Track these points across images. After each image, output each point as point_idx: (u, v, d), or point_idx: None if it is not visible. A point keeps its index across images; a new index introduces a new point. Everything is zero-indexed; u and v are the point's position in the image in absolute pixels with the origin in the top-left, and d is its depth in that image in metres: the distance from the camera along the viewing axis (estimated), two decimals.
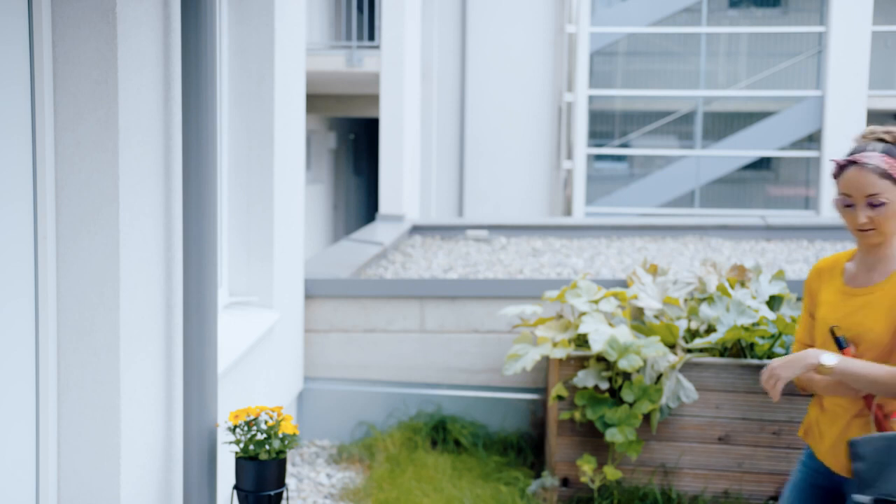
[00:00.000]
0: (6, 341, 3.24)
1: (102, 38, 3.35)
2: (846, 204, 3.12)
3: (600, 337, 5.61)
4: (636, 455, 5.52)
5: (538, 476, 6.17)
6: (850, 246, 10.25)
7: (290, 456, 6.59)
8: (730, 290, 6.09)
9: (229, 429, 4.23)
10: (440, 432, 6.73)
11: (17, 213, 3.28)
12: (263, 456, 4.19)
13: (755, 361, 5.64)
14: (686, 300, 6.29)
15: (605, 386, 5.57)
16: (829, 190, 17.75)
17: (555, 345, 5.87)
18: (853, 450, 3.01)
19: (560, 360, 5.81)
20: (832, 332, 3.20)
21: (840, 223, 11.13)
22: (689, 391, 5.54)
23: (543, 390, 6.80)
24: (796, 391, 5.56)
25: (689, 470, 5.71)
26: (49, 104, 3.35)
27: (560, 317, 6.19)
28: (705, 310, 5.96)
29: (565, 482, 5.83)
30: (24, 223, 3.32)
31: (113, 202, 3.40)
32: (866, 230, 3.11)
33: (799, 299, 6.74)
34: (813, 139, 18.29)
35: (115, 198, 3.40)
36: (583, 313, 5.96)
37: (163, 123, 3.86)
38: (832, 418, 3.30)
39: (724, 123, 18.92)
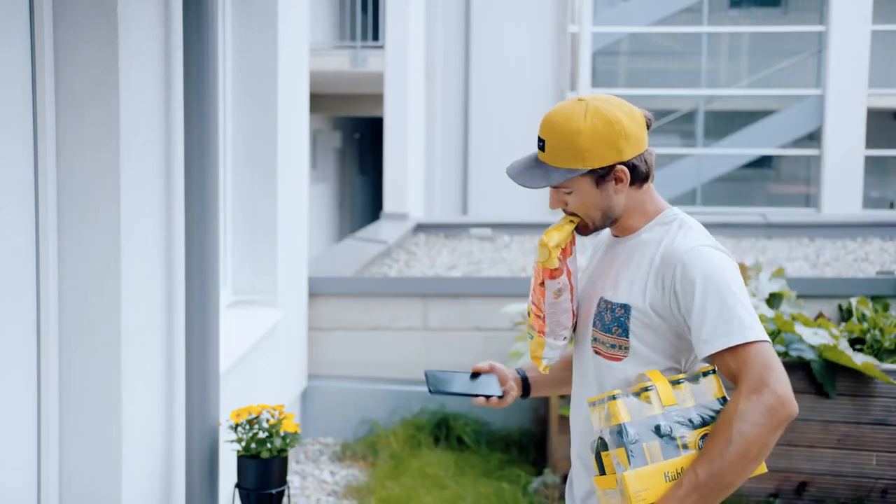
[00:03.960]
0: (7, 340, 3.26)
1: (103, 37, 3.37)
2: None
3: None
4: None
5: (540, 473, 6.19)
6: (849, 244, 10.25)
7: (294, 453, 6.61)
8: None
9: (231, 427, 4.25)
10: (443, 430, 6.75)
11: (19, 211, 3.29)
12: (265, 454, 4.22)
13: None
14: None
15: None
16: (829, 188, 17.73)
17: None
18: None
19: None
20: None
21: (840, 220, 11.14)
22: None
23: None
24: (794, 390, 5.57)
25: None
26: (50, 103, 3.37)
27: None
28: None
29: (567, 479, 5.84)
30: (26, 222, 3.34)
31: (114, 201, 3.42)
32: None
33: (799, 297, 6.75)
34: (813, 137, 18.26)
35: (117, 196, 3.42)
36: None
37: (164, 122, 3.88)
38: None
39: (726, 122, 18.89)
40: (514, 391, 2.85)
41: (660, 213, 2.59)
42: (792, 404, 2.31)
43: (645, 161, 2.53)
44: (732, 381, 2.37)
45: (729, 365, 2.36)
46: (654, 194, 2.62)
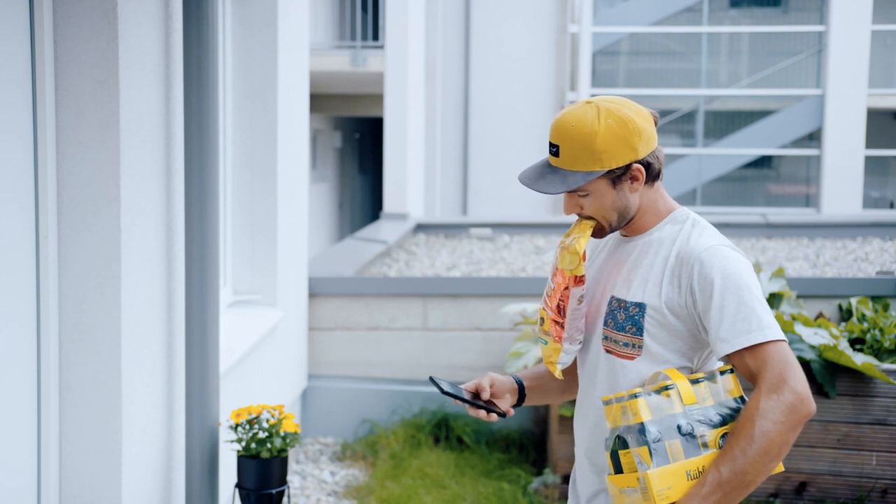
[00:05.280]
0: (8, 340, 3.26)
1: (104, 37, 3.37)
2: None
3: None
4: None
5: (540, 473, 6.19)
6: (849, 244, 10.25)
7: (294, 453, 6.61)
8: None
9: (231, 427, 4.25)
10: (443, 430, 6.75)
11: (19, 212, 3.29)
12: (265, 454, 4.22)
13: None
14: None
15: None
16: (829, 188, 17.75)
17: None
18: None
19: None
20: None
21: (840, 220, 11.13)
22: None
23: None
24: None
25: None
26: (50, 103, 3.37)
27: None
28: None
29: (567, 479, 5.85)
30: (26, 222, 3.34)
31: (114, 201, 3.42)
32: None
33: (799, 297, 6.75)
34: (813, 137, 18.30)
35: (117, 197, 3.42)
36: None
37: (164, 123, 3.88)
38: None
39: (726, 122, 18.93)
40: (511, 401, 2.84)
41: (671, 213, 2.61)
42: (811, 402, 2.33)
43: (657, 158, 2.55)
44: (750, 379, 2.38)
45: (747, 363, 2.38)
46: (664, 193, 2.63)
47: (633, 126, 2.47)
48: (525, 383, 2.87)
